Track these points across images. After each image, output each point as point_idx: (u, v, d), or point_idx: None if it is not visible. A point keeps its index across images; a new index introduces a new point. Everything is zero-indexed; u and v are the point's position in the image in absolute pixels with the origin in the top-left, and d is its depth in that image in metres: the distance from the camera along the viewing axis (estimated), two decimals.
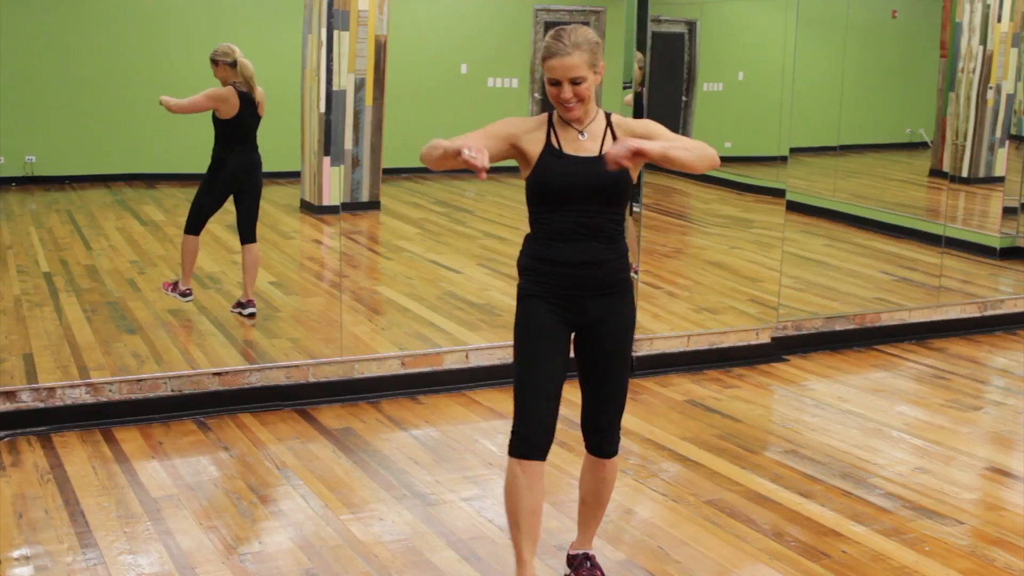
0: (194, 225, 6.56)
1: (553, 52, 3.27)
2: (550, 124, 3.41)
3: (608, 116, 3.43)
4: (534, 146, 3.39)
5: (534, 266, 3.45)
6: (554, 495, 4.54)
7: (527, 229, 3.50)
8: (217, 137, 6.44)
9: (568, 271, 3.39)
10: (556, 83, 3.30)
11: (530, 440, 3.37)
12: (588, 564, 3.75)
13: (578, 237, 3.36)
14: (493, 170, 3.34)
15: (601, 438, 3.58)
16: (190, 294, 6.59)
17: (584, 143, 3.38)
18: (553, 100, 3.35)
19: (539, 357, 3.42)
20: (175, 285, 6.62)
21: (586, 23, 12.58)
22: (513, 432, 3.41)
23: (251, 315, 6.52)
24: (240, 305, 6.56)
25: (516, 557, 3.43)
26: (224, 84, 6.34)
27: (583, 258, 3.37)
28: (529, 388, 3.41)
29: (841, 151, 9.61)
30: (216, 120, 6.38)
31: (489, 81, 11.10)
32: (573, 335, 3.51)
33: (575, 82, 3.28)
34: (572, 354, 3.54)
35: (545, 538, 4.00)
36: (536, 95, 12.31)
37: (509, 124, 3.43)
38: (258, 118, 6.43)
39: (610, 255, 3.41)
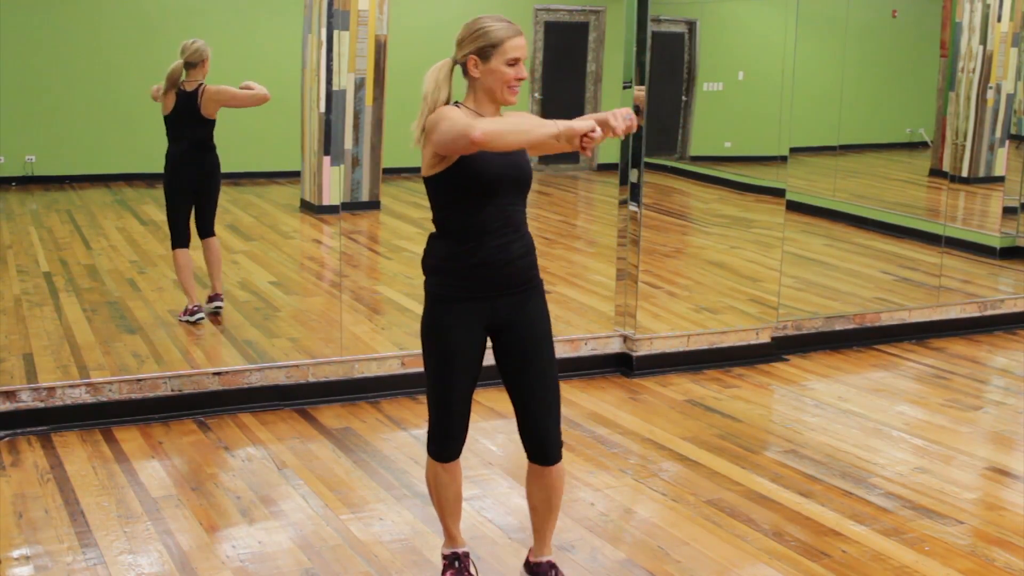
0: (182, 237, 6.48)
1: (515, 31, 3.28)
2: (478, 116, 3.29)
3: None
4: None
5: (448, 267, 3.38)
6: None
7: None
8: (200, 137, 6.37)
9: (487, 270, 3.34)
10: (515, 63, 3.28)
11: (449, 449, 3.54)
12: (553, 573, 3.66)
13: (501, 232, 3.32)
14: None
15: (543, 443, 3.50)
16: (199, 310, 6.44)
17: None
18: (505, 83, 3.28)
19: (456, 374, 3.43)
20: (186, 310, 6.46)
21: (585, 23, 12.59)
22: (432, 441, 3.54)
23: (217, 310, 6.47)
24: (209, 299, 6.52)
25: (445, 533, 3.69)
26: (199, 82, 6.28)
27: (504, 255, 3.33)
28: (446, 405, 3.48)
29: (841, 151, 9.61)
30: (204, 121, 6.32)
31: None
32: (489, 339, 3.47)
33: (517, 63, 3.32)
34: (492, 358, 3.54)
35: (519, 549, 3.99)
36: (536, 94, 12.30)
37: (461, 114, 3.22)
38: None
39: (528, 250, 3.40)
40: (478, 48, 3.27)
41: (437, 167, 3.29)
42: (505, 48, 3.26)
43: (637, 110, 3.20)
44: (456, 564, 3.70)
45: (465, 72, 3.34)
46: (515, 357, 3.46)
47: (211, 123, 6.36)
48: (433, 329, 3.43)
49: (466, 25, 3.33)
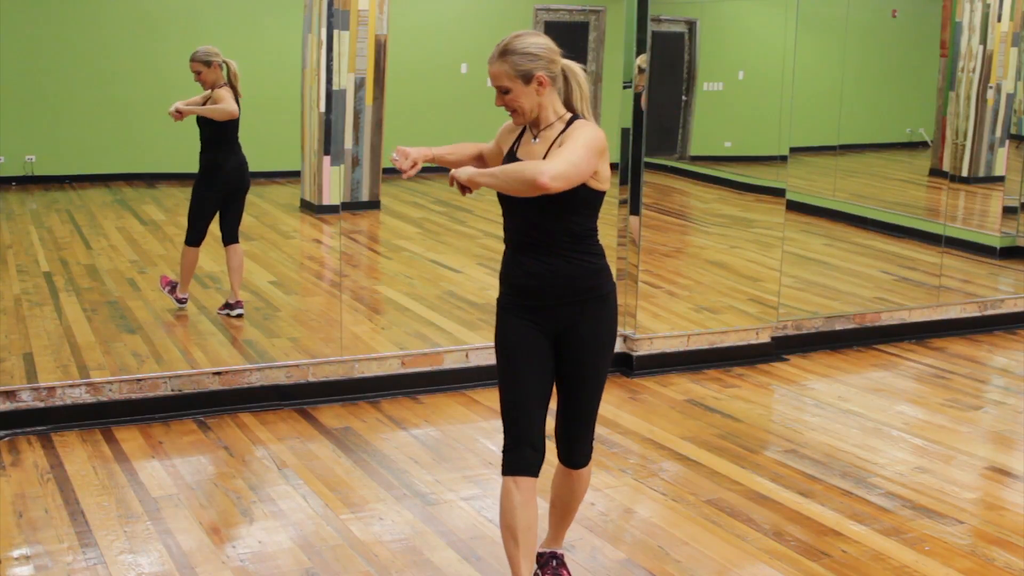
0: (196, 237, 6.53)
1: (490, 58, 3.31)
2: (524, 128, 3.41)
3: (570, 122, 3.34)
4: (505, 149, 3.45)
5: (504, 276, 3.44)
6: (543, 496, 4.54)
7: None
8: (211, 141, 6.39)
9: (526, 280, 3.36)
10: (497, 90, 3.34)
11: (521, 460, 3.35)
12: (554, 563, 3.74)
13: (531, 244, 3.34)
14: None
15: (570, 448, 3.53)
16: (186, 302, 6.57)
17: (534, 147, 3.35)
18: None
19: (518, 379, 3.40)
20: (173, 287, 6.59)
21: (585, 23, 12.59)
22: (504, 451, 3.40)
23: (239, 316, 6.51)
24: (228, 306, 6.54)
25: (513, 573, 3.37)
26: (211, 86, 6.30)
27: (538, 267, 3.34)
28: (511, 411, 3.39)
29: (841, 150, 9.60)
30: (211, 124, 6.34)
31: (489, 81, 11.09)
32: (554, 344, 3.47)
33: (503, 91, 3.29)
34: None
35: (542, 536, 4.00)
36: None
37: (502, 129, 3.51)
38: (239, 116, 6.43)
39: (569, 265, 3.33)
40: None
41: None
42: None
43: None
44: None
45: None
46: (565, 363, 3.45)
47: (226, 126, 6.38)
48: (497, 335, 3.45)
49: None
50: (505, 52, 3.24)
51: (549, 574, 3.72)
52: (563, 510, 3.69)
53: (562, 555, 3.77)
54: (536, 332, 3.38)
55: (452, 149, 3.55)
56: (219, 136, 6.37)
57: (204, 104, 6.33)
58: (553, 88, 3.31)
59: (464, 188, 3.22)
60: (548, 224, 3.30)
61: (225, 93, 6.30)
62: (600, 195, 3.32)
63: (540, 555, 3.76)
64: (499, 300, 3.47)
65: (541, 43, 3.25)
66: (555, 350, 3.43)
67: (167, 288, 6.61)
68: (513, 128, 3.45)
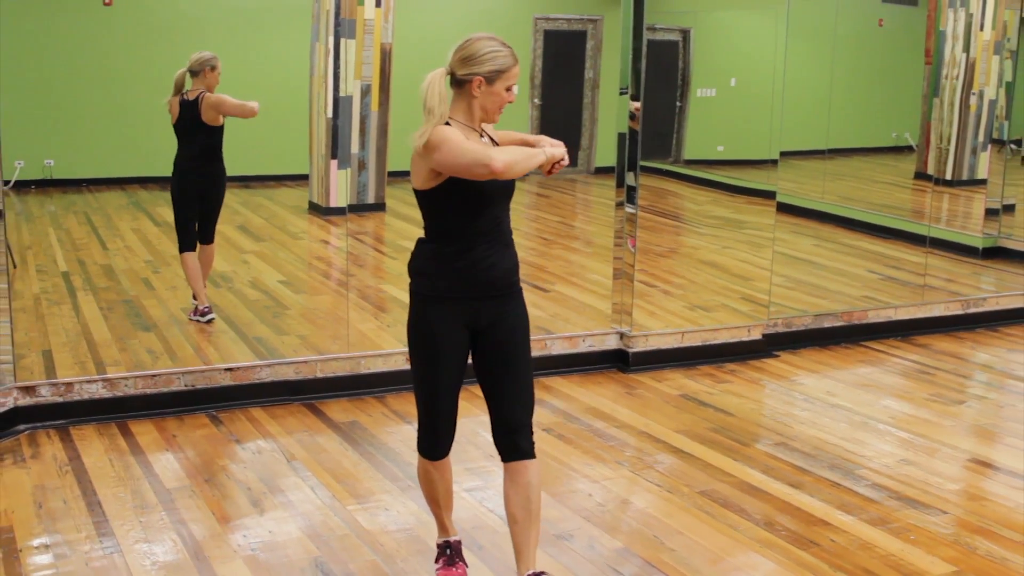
0: (189, 242, 6.44)
1: (515, 60, 3.34)
2: (471, 130, 3.39)
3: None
4: None
5: (435, 270, 3.39)
6: (554, 486, 4.55)
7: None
8: (205, 145, 6.33)
9: (474, 273, 3.37)
10: (511, 88, 3.36)
11: (438, 447, 3.53)
12: None
13: (491, 239, 3.38)
14: None
15: (517, 437, 3.43)
16: (210, 311, 6.41)
17: (487, 145, 3.37)
18: (495, 106, 3.37)
19: (441, 373, 3.42)
20: (195, 310, 6.44)
21: (583, 32, 12.58)
22: (421, 439, 3.53)
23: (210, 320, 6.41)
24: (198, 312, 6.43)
25: (438, 524, 3.73)
26: (208, 91, 6.26)
27: (492, 259, 3.37)
28: (433, 404, 3.47)
29: (829, 154, 9.59)
30: (207, 128, 6.29)
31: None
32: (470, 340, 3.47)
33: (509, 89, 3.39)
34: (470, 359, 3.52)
35: (545, 527, 4.01)
36: (536, 100, 12.31)
37: (456, 131, 3.29)
38: None
39: (513, 258, 3.45)
40: (487, 72, 3.31)
41: (432, 182, 3.33)
42: (508, 75, 3.34)
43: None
44: (448, 552, 3.74)
45: (458, 85, 3.36)
46: (495, 357, 3.45)
47: (216, 130, 6.32)
48: (418, 328, 3.43)
49: (471, 44, 3.32)
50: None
51: None
52: (526, 520, 3.41)
53: (544, 572, 3.49)
54: (461, 326, 3.42)
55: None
56: (210, 140, 6.31)
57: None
58: None
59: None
60: (506, 214, 3.46)
61: (228, 97, 6.29)
62: None
63: None
64: (420, 292, 3.42)
65: None
66: (477, 347, 3.46)
67: (196, 316, 6.41)
68: (466, 132, 3.36)
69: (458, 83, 3.36)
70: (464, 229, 3.36)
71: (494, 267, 3.39)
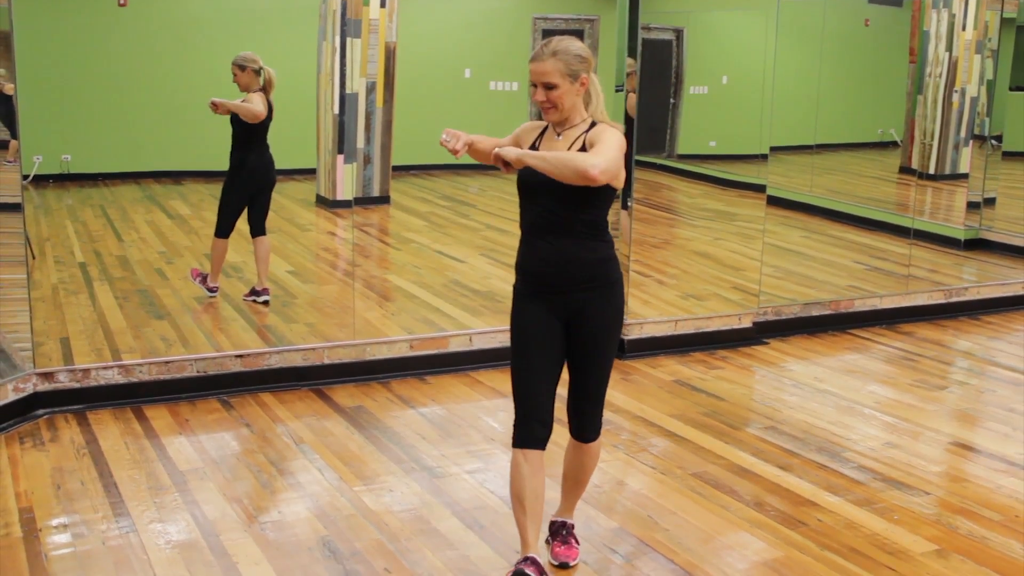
0: (225, 229, 6.56)
1: (533, 57, 3.33)
2: (545, 127, 3.46)
3: (593, 124, 3.37)
4: (526, 145, 3.46)
5: (519, 264, 3.47)
6: (556, 469, 4.55)
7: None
8: (241, 140, 6.41)
9: (541, 267, 3.38)
10: (534, 85, 3.34)
11: (530, 434, 3.39)
12: (564, 532, 3.75)
13: (546, 232, 3.35)
14: (494, 167, 3.41)
15: (581, 424, 3.56)
16: (216, 291, 6.57)
17: (557, 144, 3.38)
18: (534, 101, 3.39)
19: (527, 361, 3.41)
20: (204, 278, 6.61)
21: (580, 31, 12.55)
22: (515, 426, 3.43)
23: (265, 302, 6.51)
24: (255, 293, 6.56)
25: (521, 538, 3.44)
26: (245, 89, 6.32)
27: (552, 254, 3.35)
28: (522, 389, 3.41)
29: (817, 149, 9.58)
30: (242, 125, 6.35)
31: (491, 85, 11.06)
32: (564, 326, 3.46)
33: (548, 87, 3.30)
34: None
35: (546, 508, 4.00)
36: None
37: (521, 127, 3.54)
38: (271, 120, 6.44)
39: (582, 251, 3.35)
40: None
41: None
42: (530, 74, 3.35)
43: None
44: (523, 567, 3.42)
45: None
46: (576, 344, 3.45)
47: (255, 128, 6.37)
48: (512, 319, 3.46)
49: None
50: (557, 52, 3.29)
51: (559, 541, 3.74)
52: (574, 482, 3.70)
53: (572, 524, 3.79)
54: (548, 316, 3.40)
55: (481, 138, 3.49)
56: (248, 136, 6.40)
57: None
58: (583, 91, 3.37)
59: (507, 166, 3.27)
60: (566, 212, 3.33)
61: (256, 97, 6.31)
62: (614, 191, 3.39)
63: (552, 523, 3.78)
64: (515, 287, 3.49)
65: (586, 49, 3.33)
66: (566, 333, 3.43)
67: (198, 279, 6.62)
68: (536, 126, 3.48)
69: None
70: (521, 222, 3.43)
71: (545, 261, 3.36)
